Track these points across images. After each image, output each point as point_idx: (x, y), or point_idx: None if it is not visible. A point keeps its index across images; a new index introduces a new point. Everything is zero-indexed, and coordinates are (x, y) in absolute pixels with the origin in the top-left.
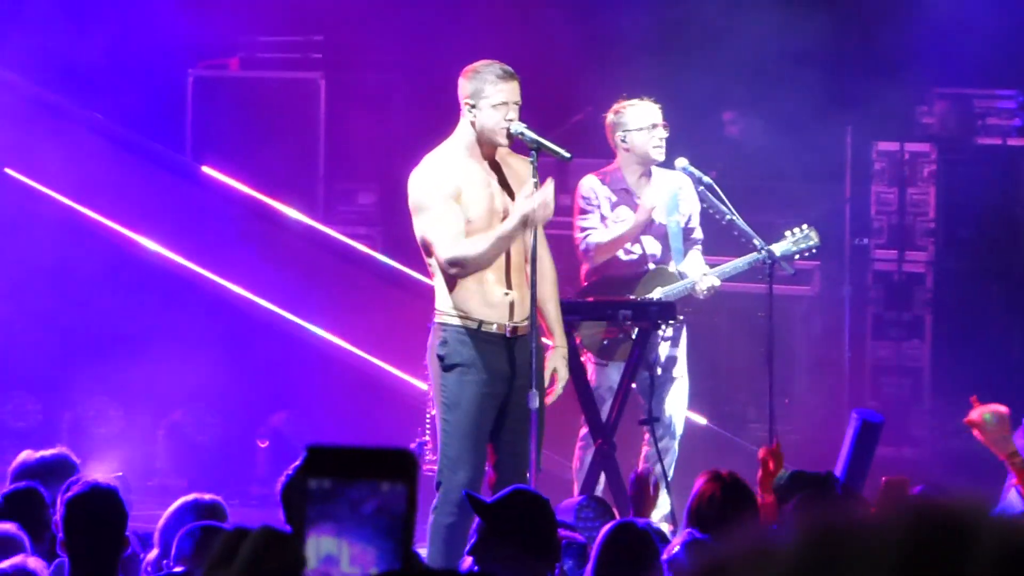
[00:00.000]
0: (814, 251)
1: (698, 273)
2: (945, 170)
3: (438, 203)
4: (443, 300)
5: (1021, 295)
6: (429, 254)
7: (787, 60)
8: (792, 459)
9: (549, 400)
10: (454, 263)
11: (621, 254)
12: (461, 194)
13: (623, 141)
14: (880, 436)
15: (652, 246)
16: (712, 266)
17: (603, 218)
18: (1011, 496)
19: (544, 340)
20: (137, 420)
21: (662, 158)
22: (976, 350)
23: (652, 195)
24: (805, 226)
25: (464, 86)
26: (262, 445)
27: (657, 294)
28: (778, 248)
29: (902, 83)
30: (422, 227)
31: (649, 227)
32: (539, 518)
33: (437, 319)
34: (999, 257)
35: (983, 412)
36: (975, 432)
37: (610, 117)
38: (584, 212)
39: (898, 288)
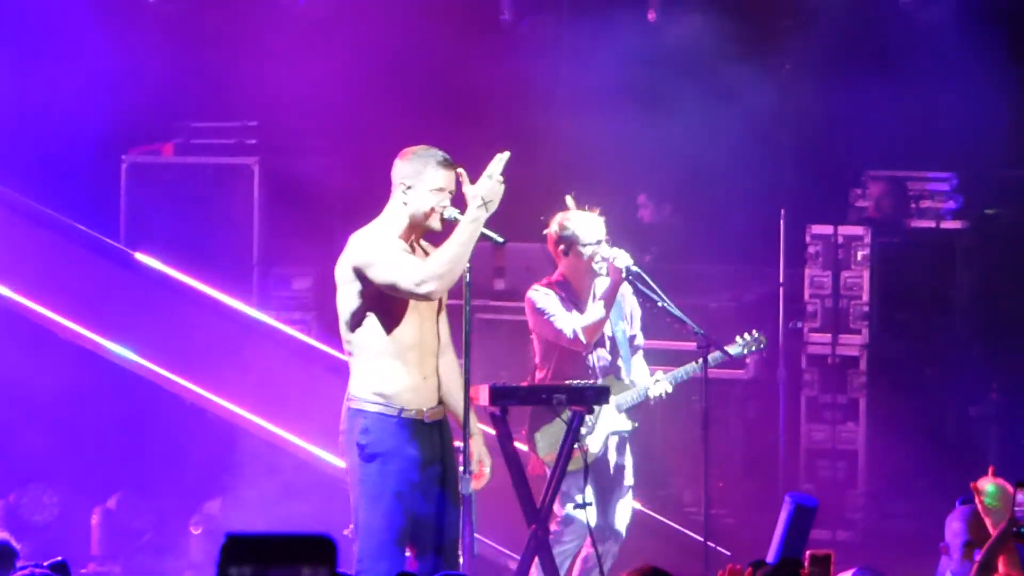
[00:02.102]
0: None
1: (649, 380)
2: (879, 253)
3: (393, 249)
4: (360, 385)
5: (955, 377)
6: (352, 328)
7: (721, 144)
8: (727, 543)
9: (479, 486)
10: (430, 279)
11: (571, 366)
12: None
13: (566, 254)
14: (814, 519)
15: (602, 357)
16: (657, 365)
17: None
18: None
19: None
20: (71, 507)
21: (604, 274)
22: (911, 432)
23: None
24: (755, 331)
25: (401, 168)
26: (195, 532)
27: (612, 404)
28: (729, 350)
29: (836, 166)
30: (381, 274)
31: (599, 338)
32: None
33: (353, 404)
34: (933, 339)
35: (987, 483)
36: (976, 499)
37: (554, 228)
38: (551, 314)
39: (832, 371)
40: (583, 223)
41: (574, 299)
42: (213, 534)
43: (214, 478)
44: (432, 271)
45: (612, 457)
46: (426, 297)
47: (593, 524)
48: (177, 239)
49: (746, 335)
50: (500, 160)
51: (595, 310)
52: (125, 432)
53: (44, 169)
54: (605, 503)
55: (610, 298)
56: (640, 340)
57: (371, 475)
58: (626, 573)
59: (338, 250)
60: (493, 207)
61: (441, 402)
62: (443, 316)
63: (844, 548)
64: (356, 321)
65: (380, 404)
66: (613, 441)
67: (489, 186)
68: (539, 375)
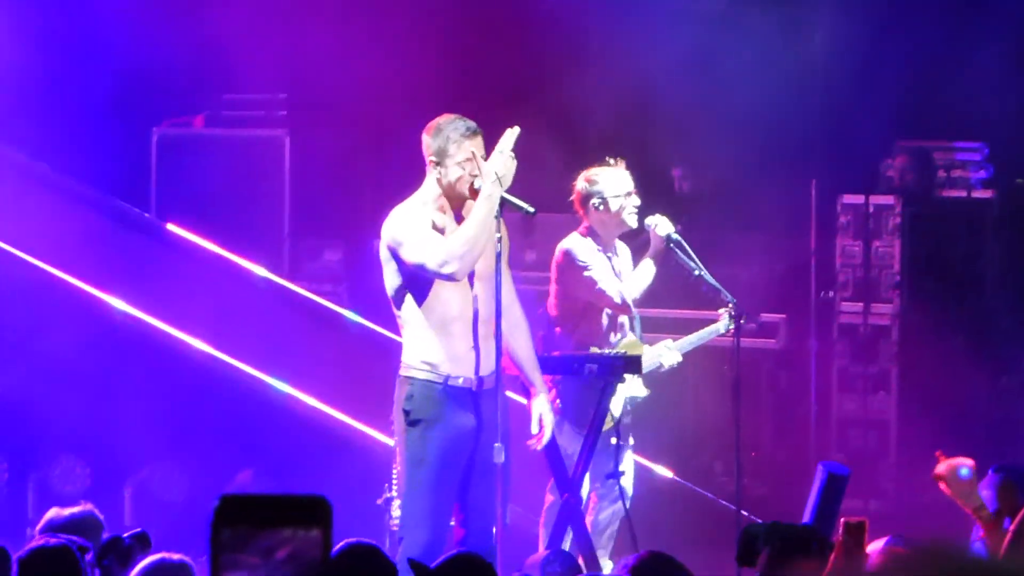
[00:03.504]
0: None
1: (660, 347)
2: (910, 223)
3: (421, 229)
4: (410, 354)
5: (986, 346)
6: (399, 305)
7: (752, 113)
8: (759, 512)
9: (540, 445)
10: (451, 260)
11: (594, 325)
12: None
13: (597, 208)
14: (846, 488)
15: (621, 317)
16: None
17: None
18: (977, 549)
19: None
20: (103, 478)
21: (636, 225)
22: (942, 402)
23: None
24: (731, 305)
25: (428, 144)
26: None
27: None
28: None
29: (867, 136)
30: (408, 255)
31: None
32: None
33: (403, 372)
34: (965, 308)
35: (950, 466)
36: (941, 486)
37: (581, 183)
38: (594, 272)
39: (864, 341)
40: (610, 176)
41: (601, 252)
42: None
43: (246, 449)
44: (452, 252)
45: (626, 421)
46: (450, 277)
47: (630, 492)
48: (208, 210)
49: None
50: (511, 135)
51: (644, 276)
52: (157, 403)
53: (75, 142)
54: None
55: (655, 264)
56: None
57: (415, 441)
58: (630, 559)
59: (369, 221)
60: (507, 182)
61: (495, 371)
62: (505, 277)
63: (876, 517)
64: (400, 297)
65: (427, 372)
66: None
67: (501, 161)
68: (559, 330)
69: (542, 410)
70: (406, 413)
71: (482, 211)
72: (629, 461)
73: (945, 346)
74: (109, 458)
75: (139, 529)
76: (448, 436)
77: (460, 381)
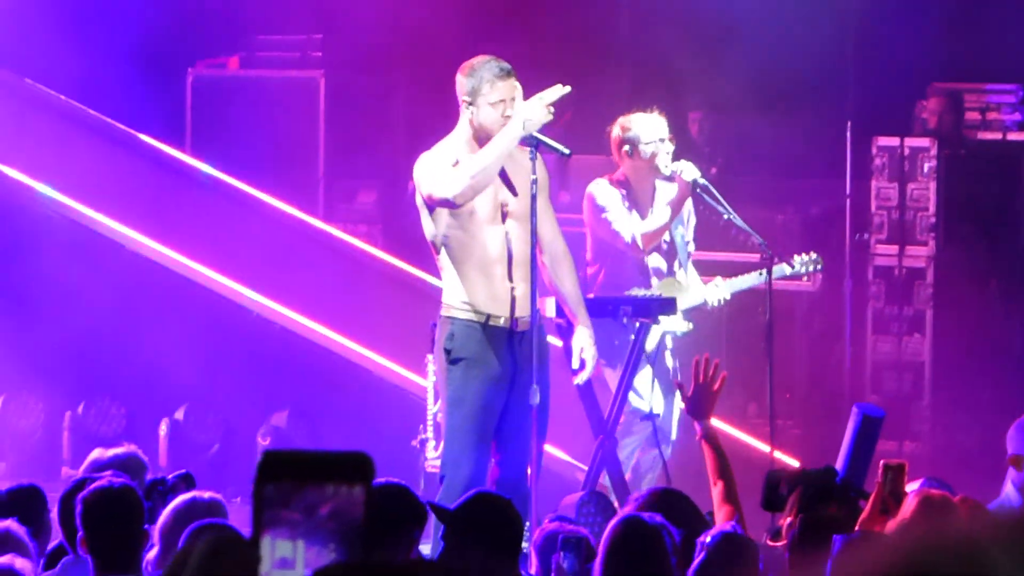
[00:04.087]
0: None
1: (703, 286)
2: (945, 165)
3: (435, 165)
4: (451, 294)
5: (1021, 289)
6: (437, 250)
7: (785, 57)
8: (793, 453)
9: (582, 379)
10: (459, 185)
11: (625, 266)
12: None
13: (630, 155)
14: (881, 431)
15: (656, 261)
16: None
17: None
18: (1008, 490)
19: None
20: (138, 419)
21: (668, 172)
22: (977, 344)
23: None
24: (813, 253)
25: (462, 83)
26: (263, 443)
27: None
28: (784, 268)
29: (902, 78)
30: (426, 191)
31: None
32: (502, 520)
33: (444, 312)
34: (999, 251)
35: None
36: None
37: (616, 130)
38: (610, 213)
39: (899, 283)
40: (644, 123)
41: (635, 200)
42: (279, 446)
43: (281, 390)
44: (461, 179)
45: (668, 359)
46: (454, 204)
47: (673, 436)
48: (243, 152)
49: (804, 255)
50: (557, 90)
51: (658, 216)
52: (191, 344)
53: (110, 83)
54: (666, 402)
55: (676, 208)
56: (692, 247)
57: (455, 379)
58: (643, 494)
59: (403, 163)
60: (532, 127)
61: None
62: (547, 214)
63: (911, 459)
64: (438, 240)
65: (467, 311)
66: (668, 340)
67: (536, 107)
68: (590, 271)
69: (584, 344)
70: (447, 352)
71: (500, 144)
72: (676, 403)
73: (980, 288)
74: (144, 398)
75: (183, 470)
76: (488, 375)
77: (500, 321)
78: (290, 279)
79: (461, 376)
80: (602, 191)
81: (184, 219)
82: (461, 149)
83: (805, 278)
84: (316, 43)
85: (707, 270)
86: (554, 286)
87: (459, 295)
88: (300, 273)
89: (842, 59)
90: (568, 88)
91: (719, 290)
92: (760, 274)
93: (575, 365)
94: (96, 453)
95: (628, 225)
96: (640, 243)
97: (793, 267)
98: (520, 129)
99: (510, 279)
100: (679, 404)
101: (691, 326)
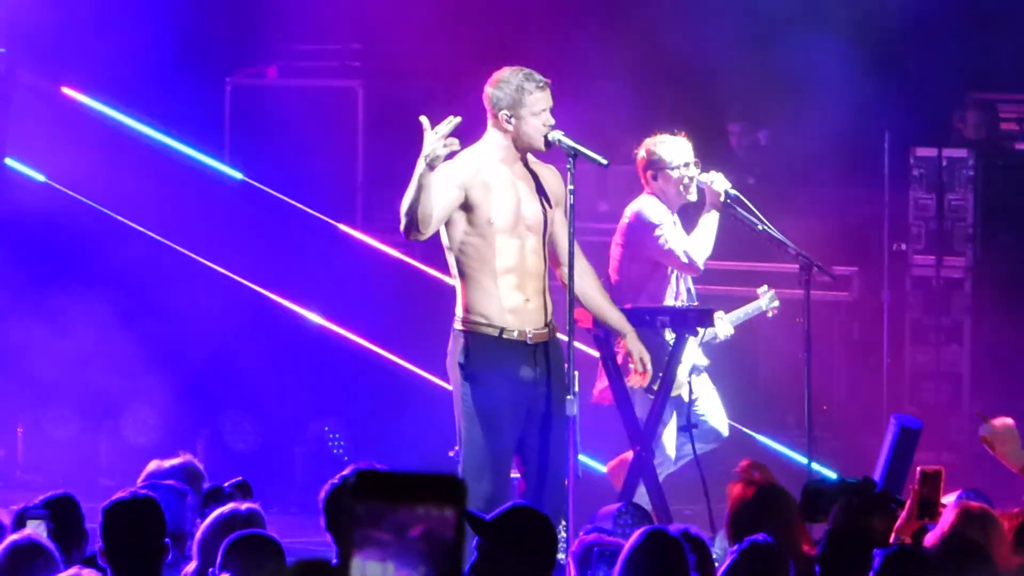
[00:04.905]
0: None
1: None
2: (983, 175)
3: (433, 183)
4: (463, 307)
5: None
6: (453, 258)
7: (824, 66)
8: (831, 464)
9: (646, 382)
10: (403, 226)
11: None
12: (488, 193)
13: (656, 178)
14: (919, 441)
15: (689, 282)
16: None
17: None
18: None
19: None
20: (176, 428)
21: (695, 198)
22: (1014, 354)
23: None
24: (766, 286)
25: (497, 97)
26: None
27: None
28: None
29: (939, 88)
30: None
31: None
32: (538, 533)
33: (457, 325)
34: None
35: (993, 426)
36: (987, 448)
37: (641, 153)
38: (665, 231)
39: (937, 293)
40: (671, 146)
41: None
42: (318, 455)
43: (319, 398)
44: (402, 214)
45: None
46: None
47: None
48: (281, 161)
49: (765, 287)
50: (450, 122)
51: (706, 235)
52: (229, 352)
53: (149, 92)
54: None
55: (713, 220)
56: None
57: (471, 394)
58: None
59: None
60: (436, 162)
61: (548, 324)
62: (561, 230)
63: (949, 470)
64: (453, 250)
65: (481, 324)
66: (694, 377)
67: (431, 141)
68: (629, 296)
69: (637, 349)
70: (461, 367)
71: (412, 183)
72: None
73: (1018, 298)
74: (182, 408)
75: (240, 478)
76: (504, 389)
77: (515, 334)
78: (328, 288)
79: (476, 390)
80: (653, 207)
81: (221, 228)
82: (490, 159)
83: (770, 313)
84: (355, 53)
85: (743, 281)
86: (582, 299)
87: (473, 307)
88: (338, 282)
89: (881, 68)
90: (459, 118)
91: (723, 324)
92: (758, 306)
93: (639, 369)
94: (153, 464)
95: (681, 243)
96: (698, 262)
97: (762, 305)
98: (423, 166)
99: (525, 291)
100: (718, 402)
101: (708, 362)
